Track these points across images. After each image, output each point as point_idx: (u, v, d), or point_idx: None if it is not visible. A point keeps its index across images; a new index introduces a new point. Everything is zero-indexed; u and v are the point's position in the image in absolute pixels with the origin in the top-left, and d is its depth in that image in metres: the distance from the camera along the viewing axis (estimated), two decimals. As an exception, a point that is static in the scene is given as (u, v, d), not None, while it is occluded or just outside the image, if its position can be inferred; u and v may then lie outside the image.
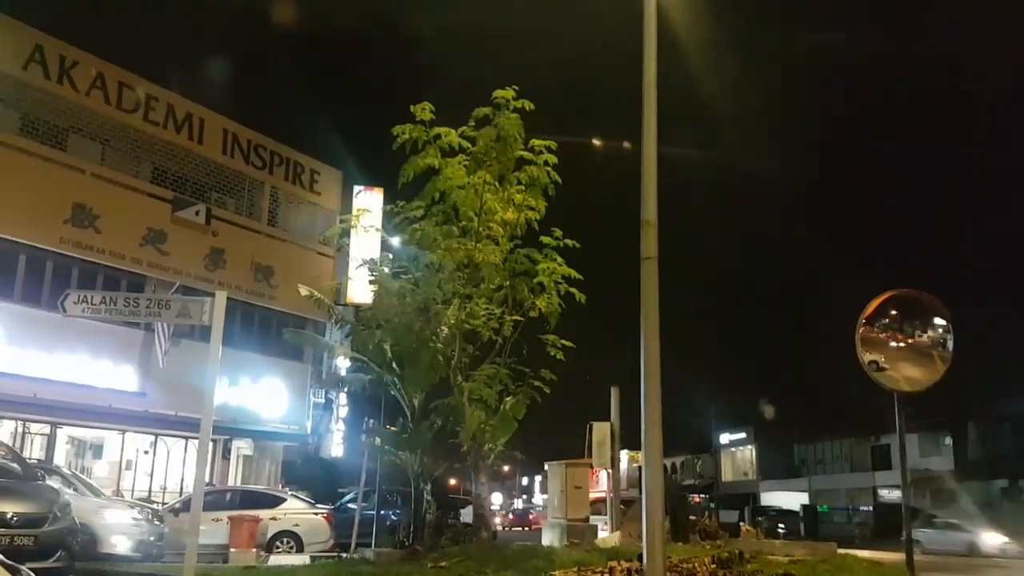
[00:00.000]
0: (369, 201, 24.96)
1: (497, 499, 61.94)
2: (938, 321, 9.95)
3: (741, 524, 29.97)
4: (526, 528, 43.49)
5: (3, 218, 20.63)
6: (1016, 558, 24.64)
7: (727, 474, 63.91)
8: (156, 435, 23.78)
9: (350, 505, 21.71)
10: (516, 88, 13.15)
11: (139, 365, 22.60)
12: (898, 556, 12.26)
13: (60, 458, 21.77)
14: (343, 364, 24.74)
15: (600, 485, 27.21)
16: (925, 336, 9.99)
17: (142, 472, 23.84)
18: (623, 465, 26.04)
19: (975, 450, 43.32)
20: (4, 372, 19.84)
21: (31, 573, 4.50)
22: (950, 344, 9.87)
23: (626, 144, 14.18)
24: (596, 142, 14.04)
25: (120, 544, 13.02)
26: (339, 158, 31.45)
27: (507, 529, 45.15)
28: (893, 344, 9.91)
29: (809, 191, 78.87)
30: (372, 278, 14.99)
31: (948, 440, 46.30)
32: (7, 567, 4.23)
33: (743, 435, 62.11)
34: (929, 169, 73.73)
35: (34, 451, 21.06)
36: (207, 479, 18.35)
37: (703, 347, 60.15)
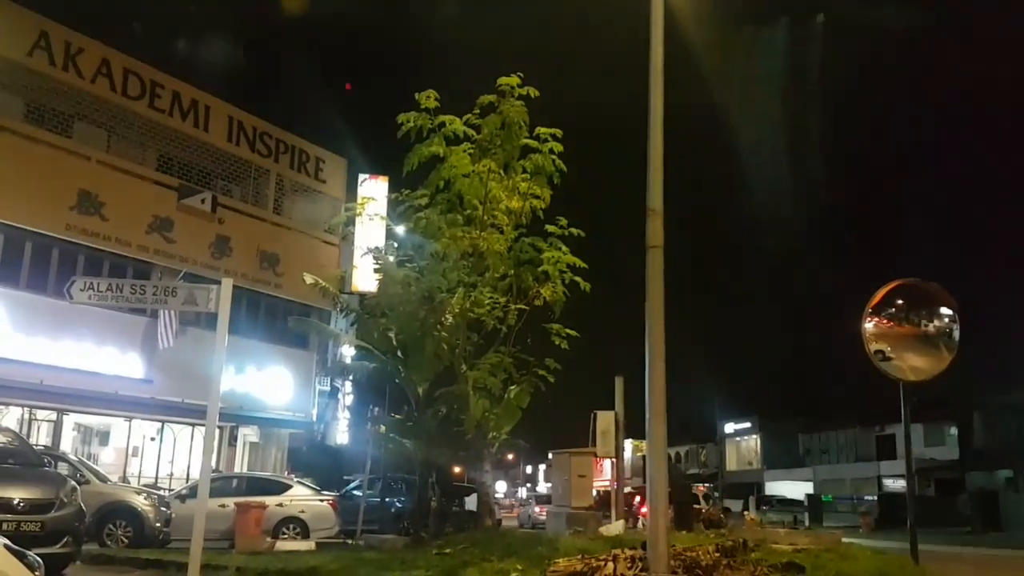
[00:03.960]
0: (374, 189, 24.94)
1: (501, 487, 61.94)
2: (944, 311, 9.90)
3: (745, 513, 30.02)
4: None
5: (9, 205, 20.62)
6: None
7: (731, 463, 63.95)
8: (162, 422, 23.86)
9: (355, 492, 21.77)
10: (521, 75, 13.10)
11: (145, 352, 22.64)
12: (902, 545, 12.28)
13: (67, 445, 21.86)
14: (348, 352, 24.80)
15: (604, 474, 27.25)
16: (931, 326, 9.94)
17: (148, 459, 23.94)
18: (627, 454, 26.07)
19: (980, 440, 43.27)
20: (10, 359, 19.85)
21: (38, 559, 4.50)
22: (956, 334, 9.82)
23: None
24: None
25: None
26: (344, 146, 31.47)
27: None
28: (899, 334, 9.86)
29: (820, 177, 78.48)
30: (377, 266, 15.00)
31: (953, 430, 46.27)
32: (14, 552, 4.23)
33: (748, 424, 62.13)
34: (939, 157, 73.36)
35: (40, 438, 21.12)
36: (213, 466, 18.39)
37: (708, 336, 60.08)
